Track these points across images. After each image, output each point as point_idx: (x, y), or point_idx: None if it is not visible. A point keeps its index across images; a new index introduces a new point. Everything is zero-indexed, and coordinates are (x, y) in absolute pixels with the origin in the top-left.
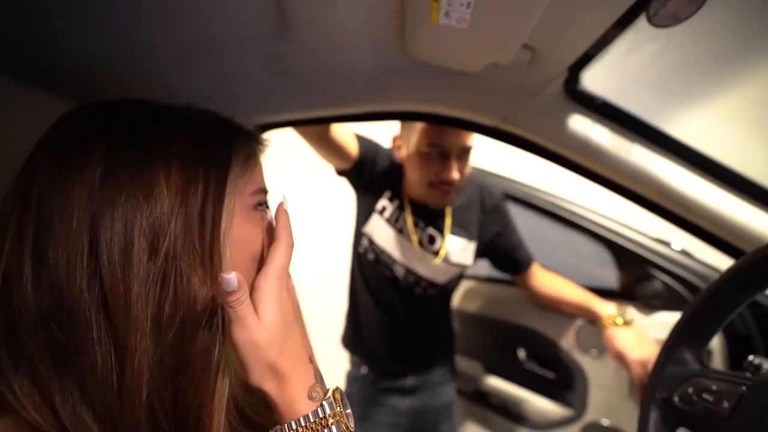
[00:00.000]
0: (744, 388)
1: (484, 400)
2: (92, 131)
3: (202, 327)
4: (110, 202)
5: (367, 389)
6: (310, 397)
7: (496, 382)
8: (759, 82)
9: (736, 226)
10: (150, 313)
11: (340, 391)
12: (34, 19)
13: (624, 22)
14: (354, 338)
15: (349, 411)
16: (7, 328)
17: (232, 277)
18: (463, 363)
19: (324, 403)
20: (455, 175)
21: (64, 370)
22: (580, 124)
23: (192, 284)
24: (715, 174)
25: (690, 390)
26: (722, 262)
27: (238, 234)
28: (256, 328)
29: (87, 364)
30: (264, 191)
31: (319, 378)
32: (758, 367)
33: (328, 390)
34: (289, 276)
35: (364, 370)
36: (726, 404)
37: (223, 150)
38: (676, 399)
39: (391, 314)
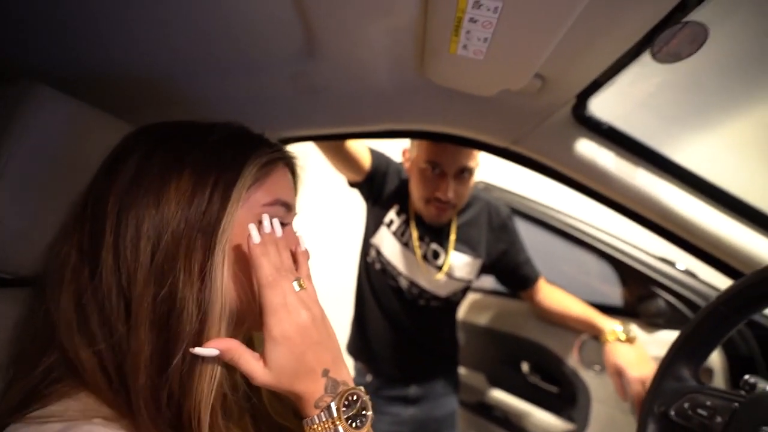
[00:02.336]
0: (737, 404)
1: (487, 412)
2: (132, 149)
3: (186, 327)
4: (128, 207)
5: (371, 397)
6: (317, 406)
7: (500, 395)
8: (760, 112)
9: (734, 248)
10: (148, 310)
11: (349, 396)
12: (105, 46)
13: (630, 56)
14: (359, 346)
15: (353, 413)
16: (78, 308)
17: (206, 351)
18: (467, 375)
19: (332, 405)
20: (449, 194)
21: (112, 338)
22: (587, 148)
23: (183, 285)
24: (714, 197)
25: (686, 405)
26: (724, 283)
27: (239, 241)
28: (265, 375)
29: (116, 338)
30: (283, 204)
31: (330, 388)
32: (753, 385)
33: (336, 397)
34: (304, 288)
35: (368, 377)
36: (719, 419)
37: (237, 158)
38: (672, 413)
39: (396, 324)
